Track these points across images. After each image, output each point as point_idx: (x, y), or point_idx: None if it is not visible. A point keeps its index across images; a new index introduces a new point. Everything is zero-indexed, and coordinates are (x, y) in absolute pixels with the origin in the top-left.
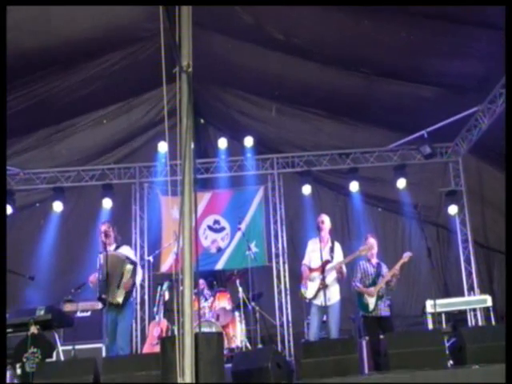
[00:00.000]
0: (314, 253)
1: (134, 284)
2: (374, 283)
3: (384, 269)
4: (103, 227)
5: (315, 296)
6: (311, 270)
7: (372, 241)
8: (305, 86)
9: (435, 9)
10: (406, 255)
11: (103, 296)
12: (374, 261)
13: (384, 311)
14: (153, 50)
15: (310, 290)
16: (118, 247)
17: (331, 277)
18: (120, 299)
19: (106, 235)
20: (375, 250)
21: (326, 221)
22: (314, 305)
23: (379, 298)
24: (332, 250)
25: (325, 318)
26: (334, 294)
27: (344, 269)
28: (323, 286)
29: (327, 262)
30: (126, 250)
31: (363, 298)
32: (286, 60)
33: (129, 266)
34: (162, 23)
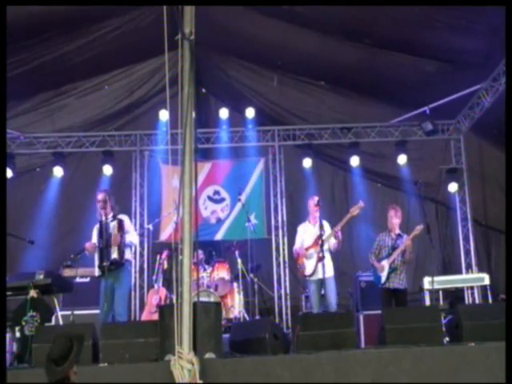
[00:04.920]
0: (306, 232)
1: (124, 241)
2: (389, 255)
3: (402, 240)
4: (100, 196)
5: (314, 272)
6: (307, 248)
7: (392, 213)
8: (307, 57)
9: None
10: (418, 228)
11: (104, 264)
12: (394, 233)
13: (397, 283)
14: (155, 17)
15: (308, 267)
16: (114, 216)
17: (324, 247)
18: (114, 255)
19: (103, 205)
20: (396, 222)
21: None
22: (311, 282)
23: (393, 270)
24: (321, 227)
25: (322, 292)
26: (328, 269)
27: (340, 234)
28: (320, 259)
29: (320, 235)
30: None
31: (377, 270)
32: (288, 30)
33: (113, 223)
34: None
